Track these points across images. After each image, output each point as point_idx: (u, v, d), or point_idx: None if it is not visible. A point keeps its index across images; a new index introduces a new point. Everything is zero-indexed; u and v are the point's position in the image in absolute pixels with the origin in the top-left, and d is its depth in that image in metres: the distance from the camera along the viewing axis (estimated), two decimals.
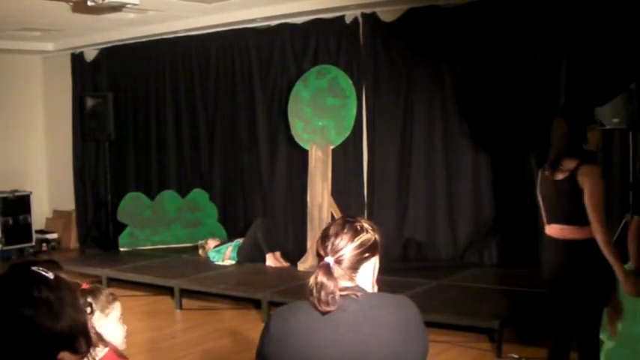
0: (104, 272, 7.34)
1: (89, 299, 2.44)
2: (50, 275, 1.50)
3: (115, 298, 2.61)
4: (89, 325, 2.36)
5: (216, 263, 7.47)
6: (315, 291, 1.97)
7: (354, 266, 2.02)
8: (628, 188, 5.13)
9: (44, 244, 9.71)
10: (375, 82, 7.38)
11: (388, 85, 7.32)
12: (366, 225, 2.07)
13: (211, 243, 7.83)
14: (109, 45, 9.36)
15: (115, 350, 2.50)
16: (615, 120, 4.89)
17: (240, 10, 7.66)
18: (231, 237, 8.10)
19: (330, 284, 1.96)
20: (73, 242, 9.99)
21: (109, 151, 9.30)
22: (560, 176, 3.56)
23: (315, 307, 1.97)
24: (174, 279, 6.79)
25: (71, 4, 7.01)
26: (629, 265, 3.46)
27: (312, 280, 1.99)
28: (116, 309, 2.58)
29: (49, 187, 10.41)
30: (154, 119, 9.21)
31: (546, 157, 3.70)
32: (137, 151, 9.41)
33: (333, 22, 7.58)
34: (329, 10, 7.40)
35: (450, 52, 6.91)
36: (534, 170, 5.69)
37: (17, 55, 9.87)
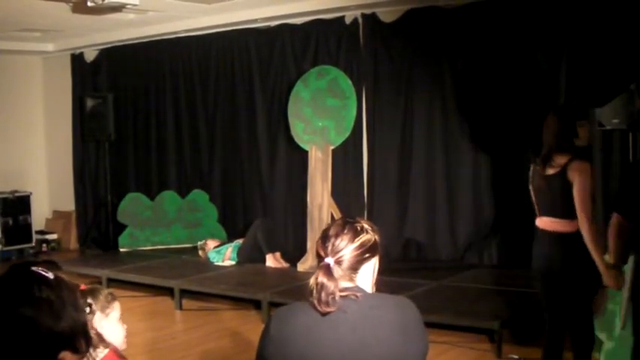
0: (104, 273, 7.34)
1: (89, 300, 2.45)
2: (50, 275, 1.51)
3: (114, 298, 2.61)
4: (90, 326, 2.37)
5: (216, 264, 7.47)
6: (315, 292, 1.97)
7: (354, 267, 2.02)
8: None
9: (44, 245, 9.72)
10: (375, 83, 7.38)
11: (388, 86, 7.32)
12: (366, 226, 2.07)
13: (210, 244, 7.83)
14: (109, 45, 9.36)
15: (115, 351, 2.50)
16: (615, 120, 4.90)
17: (240, 10, 7.66)
18: (231, 237, 8.10)
19: (330, 285, 1.96)
20: (73, 243, 9.99)
21: (109, 152, 9.30)
22: (551, 171, 3.65)
23: (315, 308, 1.97)
24: (174, 279, 6.79)
25: (71, 4, 7.01)
26: (606, 258, 3.56)
27: (312, 280, 1.99)
28: (116, 309, 2.59)
29: (49, 187, 10.41)
30: (154, 119, 9.22)
31: (538, 153, 3.79)
32: (137, 152, 9.41)
33: (333, 22, 7.59)
34: (329, 10, 7.40)
35: (449, 53, 6.92)
36: None
37: (17, 55, 9.87)
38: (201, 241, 7.99)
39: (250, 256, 7.36)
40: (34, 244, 9.60)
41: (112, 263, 7.77)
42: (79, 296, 1.58)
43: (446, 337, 5.24)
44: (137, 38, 8.91)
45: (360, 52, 7.47)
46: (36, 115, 10.38)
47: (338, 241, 2.01)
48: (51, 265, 1.58)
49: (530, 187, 3.88)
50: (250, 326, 5.86)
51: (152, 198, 8.73)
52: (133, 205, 8.62)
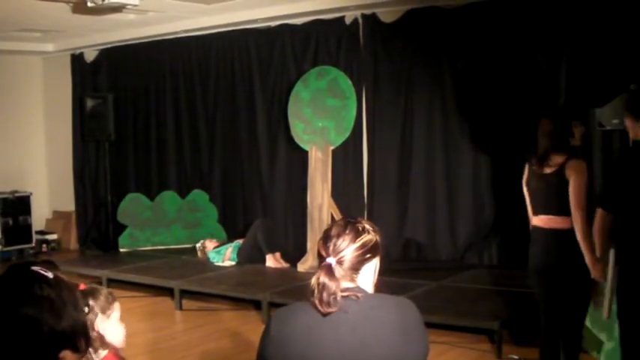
0: (104, 273, 7.34)
1: (90, 302, 2.44)
2: (50, 274, 1.51)
3: (114, 298, 2.61)
4: (92, 328, 2.38)
5: (216, 264, 7.46)
6: (316, 291, 1.97)
7: (356, 267, 2.03)
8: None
9: (44, 245, 9.72)
10: (375, 83, 7.38)
11: (388, 86, 7.32)
12: (367, 226, 2.07)
13: (209, 244, 7.83)
14: (109, 46, 9.37)
15: (115, 351, 2.50)
16: (615, 121, 4.90)
17: (240, 10, 7.66)
18: (231, 238, 8.10)
19: (332, 285, 1.96)
20: (73, 243, 9.99)
21: (109, 152, 9.30)
22: (548, 170, 3.79)
23: (316, 308, 1.97)
24: (174, 280, 6.79)
25: (71, 5, 7.01)
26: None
27: (313, 280, 1.99)
28: (116, 309, 2.58)
29: (49, 187, 10.41)
30: (154, 120, 9.22)
31: (532, 153, 3.92)
32: (137, 152, 9.42)
33: (333, 22, 7.59)
34: (329, 11, 7.40)
35: (449, 53, 6.92)
36: None
37: (17, 55, 9.87)
38: (200, 241, 7.98)
39: (250, 257, 7.35)
40: (34, 245, 9.60)
41: (112, 263, 7.77)
42: (79, 296, 1.59)
43: (446, 338, 5.24)
44: (137, 38, 8.91)
45: (360, 53, 7.47)
46: (36, 115, 10.38)
47: (339, 242, 2.01)
48: (49, 264, 1.58)
49: (525, 188, 3.98)
50: (250, 326, 5.86)
51: (152, 198, 8.73)
52: (133, 206, 8.62)
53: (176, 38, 8.76)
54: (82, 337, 1.51)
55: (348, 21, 7.52)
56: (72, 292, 1.54)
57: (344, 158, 7.55)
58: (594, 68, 5.94)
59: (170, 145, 9.08)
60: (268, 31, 8.09)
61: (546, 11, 6.30)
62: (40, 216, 10.01)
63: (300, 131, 7.31)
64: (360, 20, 7.42)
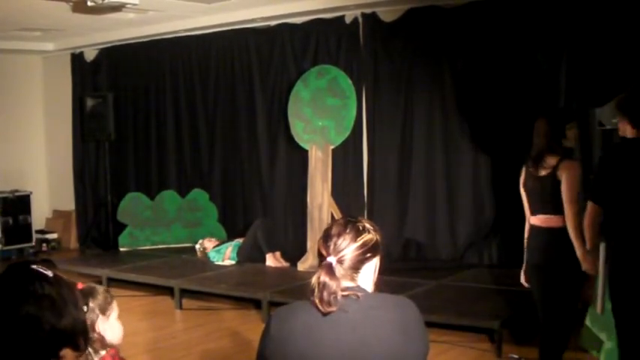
0: (104, 272, 7.34)
1: (91, 304, 2.45)
2: (50, 273, 1.51)
3: (112, 296, 2.61)
4: (94, 328, 2.38)
5: (216, 263, 7.47)
6: (317, 291, 1.97)
7: (356, 266, 2.03)
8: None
9: (44, 245, 9.72)
10: (375, 82, 7.38)
11: (388, 85, 7.32)
12: (367, 225, 2.07)
13: (207, 243, 7.83)
14: (109, 45, 9.36)
15: (115, 351, 2.50)
16: (615, 120, 4.88)
17: (240, 10, 7.66)
18: (231, 237, 8.09)
19: (332, 284, 1.96)
20: (73, 242, 9.99)
21: (109, 152, 9.30)
22: (543, 172, 3.89)
23: (316, 307, 1.97)
24: (174, 279, 6.79)
25: (71, 4, 7.01)
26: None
27: (314, 279, 1.99)
28: (115, 309, 2.59)
29: (49, 187, 10.41)
30: (154, 119, 9.21)
31: (528, 154, 4.02)
32: (137, 152, 9.41)
33: (333, 22, 7.58)
34: (329, 10, 7.40)
35: (449, 52, 6.91)
36: None
37: (17, 55, 9.87)
38: (199, 242, 7.97)
39: (250, 256, 7.36)
40: (34, 244, 9.61)
41: (112, 263, 7.77)
42: (79, 294, 1.59)
43: (446, 337, 5.24)
44: (137, 38, 8.91)
45: (360, 52, 7.46)
46: (36, 115, 10.38)
47: (340, 241, 2.02)
48: (48, 263, 1.58)
49: (522, 189, 4.07)
50: (250, 326, 5.86)
51: (152, 198, 8.73)
52: (132, 205, 8.62)
53: (176, 38, 8.76)
54: (82, 335, 1.52)
55: (348, 20, 7.52)
56: (72, 290, 1.54)
57: (344, 158, 7.54)
58: (594, 68, 5.94)
59: (170, 145, 9.07)
60: (268, 30, 8.09)
61: (546, 11, 6.29)
62: (40, 215, 10.01)
63: (300, 131, 7.31)
64: (360, 19, 7.42)
